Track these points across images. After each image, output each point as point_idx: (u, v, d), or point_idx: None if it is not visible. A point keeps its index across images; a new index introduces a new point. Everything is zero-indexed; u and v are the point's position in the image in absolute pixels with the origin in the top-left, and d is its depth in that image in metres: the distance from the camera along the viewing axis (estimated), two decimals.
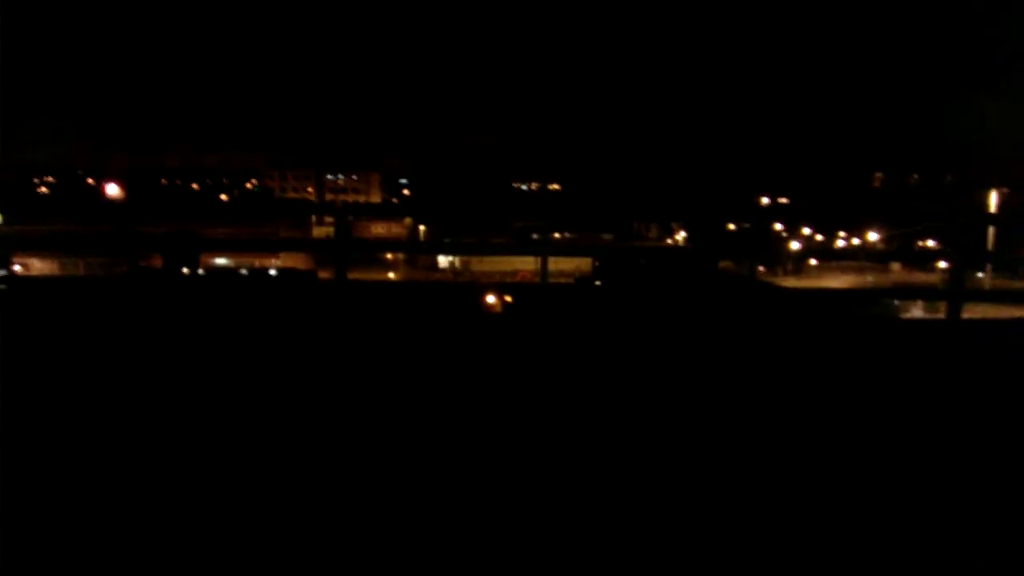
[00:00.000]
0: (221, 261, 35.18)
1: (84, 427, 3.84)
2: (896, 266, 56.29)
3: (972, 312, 7.11)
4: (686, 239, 67.55)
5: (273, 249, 36.11)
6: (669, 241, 64.87)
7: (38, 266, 37.47)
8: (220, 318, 5.58)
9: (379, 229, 66.33)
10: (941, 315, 6.42)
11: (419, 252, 54.16)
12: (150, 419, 4.07)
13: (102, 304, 6.09)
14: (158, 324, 5.39)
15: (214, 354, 4.89)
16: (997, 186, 54.09)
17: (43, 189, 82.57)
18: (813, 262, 55.01)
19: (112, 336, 5.10)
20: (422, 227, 56.66)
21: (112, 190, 74.41)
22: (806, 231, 69.41)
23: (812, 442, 4.07)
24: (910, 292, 22.70)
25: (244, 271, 32.78)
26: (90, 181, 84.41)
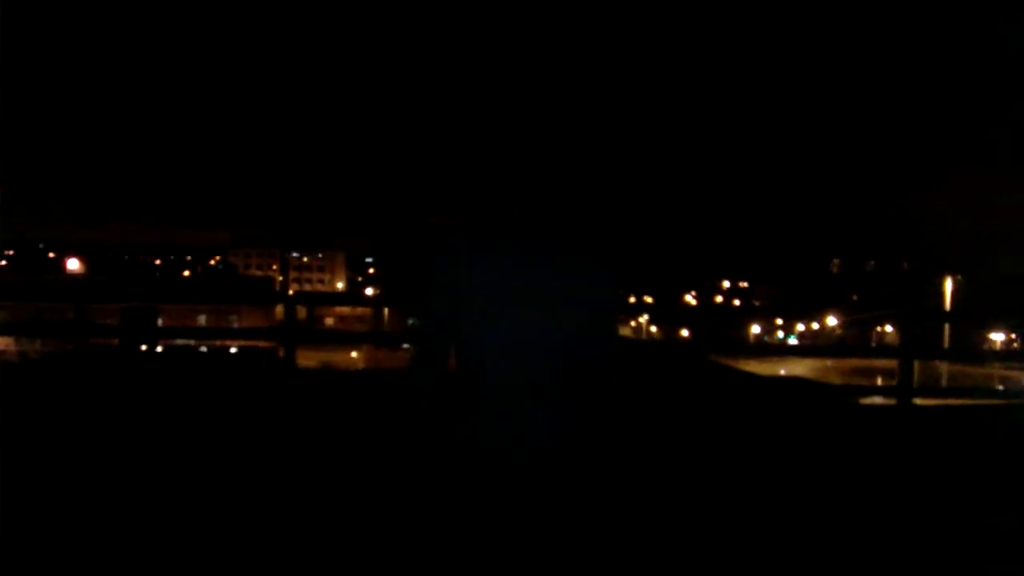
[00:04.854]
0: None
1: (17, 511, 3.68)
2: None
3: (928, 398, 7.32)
4: (648, 321, 68.02)
5: (226, 337, 34.52)
6: (632, 323, 65.28)
7: None
8: (169, 398, 5.44)
9: (343, 308, 66.08)
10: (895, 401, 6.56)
11: (376, 344, 53.12)
12: (89, 501, 3.91)
13: (42, 383, 5.91)
14: (99, 404, 5.23)
15: (156, 437, 4.74)
16: (951, 274, 55.53)
17: (2, 262, 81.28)
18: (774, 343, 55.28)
19: (46, 416, 4.93)
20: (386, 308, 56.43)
21: (73, 265, 73.60)
22: (767, 314, 70.36)
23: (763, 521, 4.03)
24: (864, 390, 23.64)
25: (204, 348, 31.91)
26: (51, 255, 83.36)
